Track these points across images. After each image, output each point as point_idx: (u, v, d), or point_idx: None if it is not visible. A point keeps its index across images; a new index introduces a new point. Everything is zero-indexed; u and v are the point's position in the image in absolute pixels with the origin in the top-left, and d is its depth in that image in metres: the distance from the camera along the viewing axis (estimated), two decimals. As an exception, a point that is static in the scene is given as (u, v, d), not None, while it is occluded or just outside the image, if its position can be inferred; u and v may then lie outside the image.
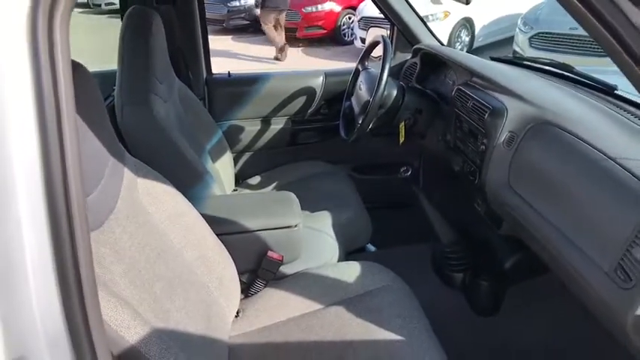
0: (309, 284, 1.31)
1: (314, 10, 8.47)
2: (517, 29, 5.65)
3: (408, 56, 1.99)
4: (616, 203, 0.89)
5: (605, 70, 1.43)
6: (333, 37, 8.56)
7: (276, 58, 7.57)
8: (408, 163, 1.83)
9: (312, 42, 8.57)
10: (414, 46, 1.91)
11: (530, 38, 5.29)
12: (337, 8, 8.60)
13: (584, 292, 0.96)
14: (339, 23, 8.60)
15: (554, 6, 5.37)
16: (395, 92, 1.62)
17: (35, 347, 0.57)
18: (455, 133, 1.50)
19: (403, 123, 1.64)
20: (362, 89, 1.70)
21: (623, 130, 1.08)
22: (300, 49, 8.32)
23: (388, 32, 2.06)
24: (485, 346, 1.12)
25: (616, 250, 0.85)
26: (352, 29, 8.31)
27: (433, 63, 1.82)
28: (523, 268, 1.50)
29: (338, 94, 2.03)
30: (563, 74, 1.46)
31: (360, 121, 1.62)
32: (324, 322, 1.18)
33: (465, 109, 1.42)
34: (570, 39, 4.84)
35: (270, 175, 1.98)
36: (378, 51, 1.69)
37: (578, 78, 1.41)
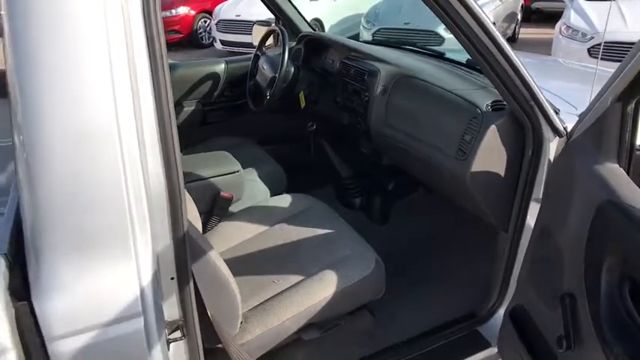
0: (255, 214, 1.71)
1: (168, 14, 8.55)
2: (361, 26, 6.54)
3: (292, 44, 2.47)
4: (452, 112, 1.48)
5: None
6: (190, 41, 8.73)
7: None
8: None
9: (169, 46, 8.59)
10: (299, 35, 2.40)
11: (374, 33, 6.19)
12: (192, 12, 8.77)
13: (440, 174, 1.54)
14: (195, 27, 8.77)
15: (390, 5, 6.35)
16: (292, 69, 2.09)
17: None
18: (342, 94, 2.02)
19: (302, 93, 2.12)
20: (265, 69, 2.13)
21: (450, 75, 1.69)
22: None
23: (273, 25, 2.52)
24: (379, 244, 1.65)
25: (455, 140, 1.43)
26: (210, 32, 8.56)
27: (314, 47, 2.32)
28: (400, 187, 2.09)
29: (239, 77, 2.42)
30: (409, 48, 2.09)
31: (268, 94, 2.06)
32: (273, 236, 1.60)
33: (349, 76, 1.96)
34: (404, 31, 5.79)
35: (193, 149, 2.30)
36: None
37: (420, 50, 2.05)
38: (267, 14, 2.66)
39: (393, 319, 1.68)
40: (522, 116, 1.30)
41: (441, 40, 5.51)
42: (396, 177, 2.10)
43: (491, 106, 1.41)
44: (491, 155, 1.38)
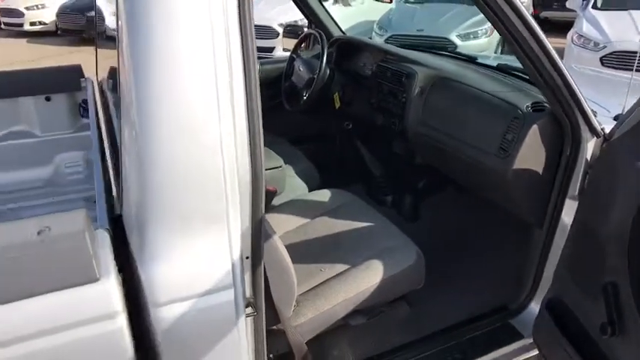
0: (296, 207, 1.80)
1: None
2: (373, 33, 6.64)
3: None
4: (493, 113, 1.57)
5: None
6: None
7: None
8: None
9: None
10: (332, 38, 2.49)
11: (386, 40, 6.28)
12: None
13: (479, 172, 1.62)
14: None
15: (402, 12, 6.46)
16: (328, 71, 2.18)
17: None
18: (378, 96, 2.11)
19: (337, 94, 2.21)
20: (301, 70, 2.22)
21: (486, 78, 1.78)
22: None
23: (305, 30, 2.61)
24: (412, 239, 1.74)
25: (497, 139, 1.52)
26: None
27: (347, 50, 2.41)
28: (430, 185, 2.18)
29: (272, 78, 2.51)
30: (442, 53, 2.18)
31: (305, 95, 2.15)
32: (315, 228, 1.68)
33: (385, 78, 2.05)
34: (417, 38, 5.89)
35: None
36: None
37: (452, 54, 2.14)
38: (279, 19, 2.76)
39: (428, 309, 1.76)
40: (562, 117, 1.38)
41: (453, 46, 5.61)
42: (427, 176, 2.18)
43: (531, 107, 1.49)
44: (531, 154, 1.46)
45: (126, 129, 0.89)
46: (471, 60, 2.04)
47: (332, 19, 2.54)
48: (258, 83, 0.91)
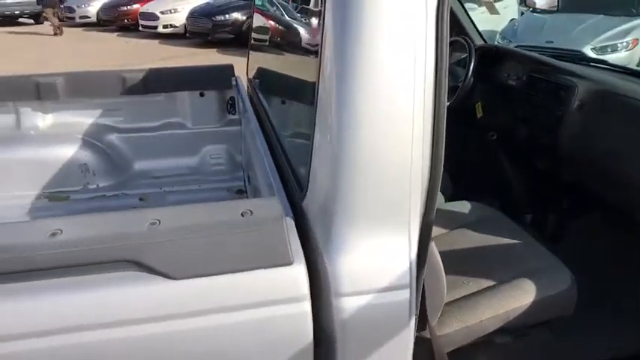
0: (435, 216, 1.76)
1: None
2: (496, 42, 6.38)
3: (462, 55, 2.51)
4: None
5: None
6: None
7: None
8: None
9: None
10: (476, 46, 2.43)
11: (509, 51, 5.99)
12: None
13: None
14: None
15: (530, 22, 6.14)
16: (472, 80, 2.12)
17: None
18: (525, 107, 2.01)
19: (479, 103, 2.15)
20: (444, 78, 2.19)
21: None
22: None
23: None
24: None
25: None
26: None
27: (489, 59, 2.34)
28: (576, 206, 2.03)
29: None
30: (604, 66, 2.03)
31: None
32: (455, 239, 1.64)
33: (537, 89, 1.95)
34: (546, 51, 5.54)
35: None
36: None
37: (615, 67, 1.98)
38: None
39: (572, 339, 1.63)
40: None
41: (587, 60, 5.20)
42: (574, 195, 2.04)
43: None
44: None
45: (320, 126, 0.93)
46: (636, 74, 1.87)
47: (475, 26, 2.48)
48: (446, 89, 0.91)
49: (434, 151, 0.95)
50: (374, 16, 0.84)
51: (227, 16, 10.27)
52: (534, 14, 6.36)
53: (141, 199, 2.14)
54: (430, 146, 0.94)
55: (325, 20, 0.91)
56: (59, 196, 2.12)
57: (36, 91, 2.03)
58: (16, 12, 15.48)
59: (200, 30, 10.62)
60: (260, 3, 2.20)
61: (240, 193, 2.24)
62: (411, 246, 0.94)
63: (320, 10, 0.96)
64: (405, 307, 0.95)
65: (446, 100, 0.93)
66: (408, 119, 0.88)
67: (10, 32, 14.04)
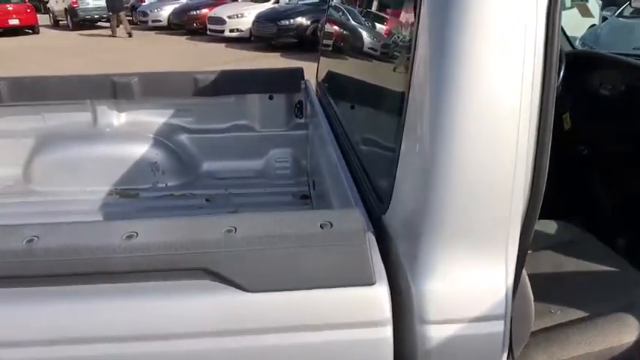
0: None
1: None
2: (575, 49, 6.00)
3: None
4: None
5: None
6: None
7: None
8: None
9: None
10: (565, 52, 2.25)
11: (589, 58, 5.61)
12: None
13: None
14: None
15: (615, 27, 5.72)
16: (560, 89, 1.95)
17: None
18: (622, 120, 1.82)
19: (567, 114, 1.97)
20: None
21: None
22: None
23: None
24: None
25: None
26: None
27: (580, 66, 2.15)
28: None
29: None
30: None
31: None
32: (538, 262, 1.49)
33: (636, 101, 1.75)
34: (633, 58, 5.13)
35: None
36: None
37: None
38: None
39: None
40: None
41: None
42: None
43: None
44: None
45: (409, 136, 0.85)
46: None
47: (563, 31, 2.29)
48: (554, 101, 0.82)
49: (536, 165, 0.84)
50: (479, 16, 0.76)
51: (292, 20, 10.39)
52: (619, 19, 5.92)
53: (207, 200, 2.13)
54: (533, 161, 0.84)
55: (420, 25, 0.83)
56: (129, 193, 2.16)
57: (112, 89, 2.08)
58: (96, 16, 16.77)
59: (265, 34, 10.79)
60: (334, 5, 2.15)
61: (304, 198, 2.18)
62: (507, 272, 0.84)
63: (415, 14, 0.88)
64: (499, 341, 0.84)
65: (553, 108, 0.83)
66: (513, 132, 0.78)
67: (90, 35, 15.04)
